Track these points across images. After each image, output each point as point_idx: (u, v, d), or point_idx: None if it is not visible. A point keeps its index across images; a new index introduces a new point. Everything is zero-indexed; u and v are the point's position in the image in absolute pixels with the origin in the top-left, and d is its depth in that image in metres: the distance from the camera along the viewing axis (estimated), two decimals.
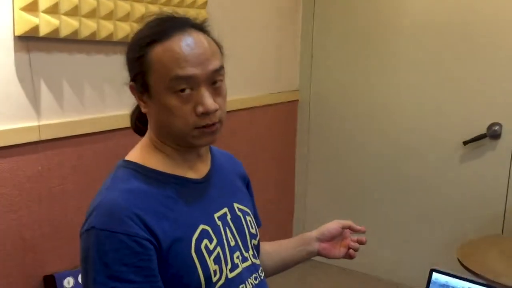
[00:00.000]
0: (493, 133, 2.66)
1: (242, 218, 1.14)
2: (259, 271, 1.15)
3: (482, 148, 2.71)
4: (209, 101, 0.97)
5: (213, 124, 1.00)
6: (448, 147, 2.80)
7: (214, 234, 1.03)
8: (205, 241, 1.00)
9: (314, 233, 1.32)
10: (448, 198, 2.83)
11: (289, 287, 2.83)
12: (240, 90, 2.74)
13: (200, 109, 0.97)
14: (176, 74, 0.95)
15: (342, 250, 1.32)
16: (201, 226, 1.01)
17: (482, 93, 2.67)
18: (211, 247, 1.01)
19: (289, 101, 3.21)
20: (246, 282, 1.08)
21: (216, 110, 0.99)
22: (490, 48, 2.63)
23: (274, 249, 1.34)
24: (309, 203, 3.35)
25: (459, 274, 1.71)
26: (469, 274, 1.62)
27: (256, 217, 1.26)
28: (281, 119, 3.18)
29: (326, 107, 3.21)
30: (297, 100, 3.28)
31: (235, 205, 1.14)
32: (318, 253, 1.32)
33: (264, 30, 2.90)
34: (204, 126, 0.99)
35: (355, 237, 1.33)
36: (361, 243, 1.33)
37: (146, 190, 0.98)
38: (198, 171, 1.09)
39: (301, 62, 3.26)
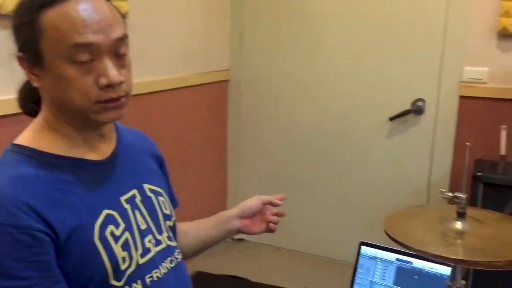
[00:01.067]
0: (417, 109, 2.75)
1: (153, 199, 1.08)
2: (176, 253, 1.10)
3: (407, 124, 2.80)
4: (113, 72, 0.89)
5: (118, 98, 0.92)
6: (376, 123, 2.86)
7: (122, 219, 0.97)
8: (111, 227, 0.94)
9: (234, 211, 1.29)
10: (375, 173, 2.91)
11: (221, 268, 2.81)
12: (167, 70, 2.65)
13: (103, 81, 0.89)
14: (75, 41, 0.86)
15: (262, 225, 1.31)
16: (105, 211, 0.94)
17: (406, 71, 2.75)
18: (117, 232, 0.95)
19: (219, 81, 3.15)
20: (160, 266, 1.03)
21: (121, 83, 0.91)
22: (411, 27, 2.71)
23: (193, 229, 1.30)
24: (242, 183, 3.33)
25: (386, 246, 1.76)
26: (396, 246, 1.66)
27: (172, 197, 1.21)
28: (211, 99, 3.11)
29: (257, 87, 3.18)
30: (228, 80, 3.22)
31: (146, 186, 1.08)
32: (239, 231, 1.30)
33: (191, 7, 2.81)
34: (107, 101, 0.91)
35: (275, 210, 1.32)
36: (281, 215, 1.32)
37: (38, 175, 0.89)
38: (100, 151, 1.01)
39: (231, 41, 3.20)
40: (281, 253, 3.17)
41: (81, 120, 0.94)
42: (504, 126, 2.58)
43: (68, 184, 0.91)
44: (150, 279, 1.00)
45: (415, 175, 2.81)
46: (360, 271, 1.73)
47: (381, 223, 2.92)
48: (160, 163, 1.21)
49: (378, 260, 1.72)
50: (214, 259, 3.04)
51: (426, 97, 2.73)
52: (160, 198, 1.11)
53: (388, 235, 1.10)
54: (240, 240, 3.32)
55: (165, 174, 1.21)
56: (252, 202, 1.29)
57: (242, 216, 1.29)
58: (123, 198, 1.00)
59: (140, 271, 0.98)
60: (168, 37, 2.63)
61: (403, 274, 1.66)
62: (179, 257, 1.11)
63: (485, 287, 2.10)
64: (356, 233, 2.94)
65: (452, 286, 1.16)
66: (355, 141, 2.94)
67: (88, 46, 0.87)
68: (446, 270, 1.59)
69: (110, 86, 0.89)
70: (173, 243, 1.11)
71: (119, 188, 1.01)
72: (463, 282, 1.17)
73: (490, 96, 2.61)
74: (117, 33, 0.90)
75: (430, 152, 2.76)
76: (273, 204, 1.31)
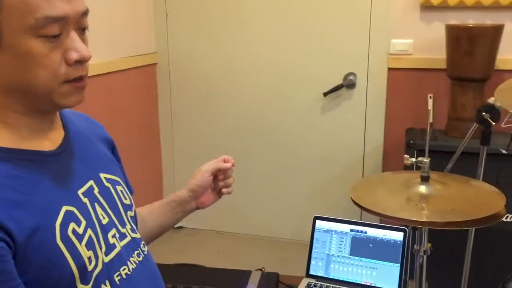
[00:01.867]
0: (349, 83, 2.80)
1: (112, 189, 0.99)
2: (141, 246, 1.02)
3: (340, 98, 2.85)
4: (83, 46, 0.81)
5: (82, 78, 0.84)
6: (310, 99, 2.88)
7: (82, 215, 0.87)
8: (72, 224, 0.84)
9: (186, 193, 1.25)
10: (313, 149, 2.94)
11: (167, 259, 2.71)
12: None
13: (73, 56, 0.80)
14: (45, 13, 0.75)
15: (215, 196, 1.31)
16: (64, 208, 0.84)
17: (336, 46, 2.79)
18: (80, 230, 0.85)
19: (147, 65, 3.00)
20: (128, 262, 0.94)
21: (90, 58, 0.83)
22: (338, 2, 2.74)
23: (150, 216, 1.23)
24: (177, 167, 3.22)
25: (341, 218, 1.77)
26: (350, 217, 1.66)
27: (127, 184, 1.12)
28: (140, 84, 2.96)
29: (186, 69, 3.08)
30: (155, 63, 3.08)
31: (102, 175, 0.98)
32: (197, 208, 1.27)
33: None
34: (76, 80, 0.82)
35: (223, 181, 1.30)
36: (228, 182, 1.34)
37: None
38: (51, 140, 0.90)
39: (156, 23, 3.05)
40: (225, 238, 3.13)
41: (41, 104, 0.83)
42: (431, 95, 2.69)
43: (21, 181, 0.80)
44: (119, 277, 0.91)
45: (351, 148, 2.87)
46: (316, 245, 1.73)
47: (322, 197, 2.98)
48: (112, 148, 1.10)
49: (333, 232, 1.72)
50: (155, 250, 2.93)
51: (357, 71, 2.79)
52: (118, 188, 1.01)
53: (357, 204, 1.09)
54: (180, 228, 3.23)
55: (118, 160, 1.12)
56: (202, 179, 1.26)
57: (196, 197, 1.25)
58: (80, 192, 0.90)
59: (108, 270, 0.89)
60: (89, 21, 2.44)
61: (359, 244, 1.68)
62: (145, 249, 1.03)
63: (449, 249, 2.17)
64: (298, 210, 2.97)
65: (419, 249, 1.18)
66: (290, 119, 2.94)
67: (59, 19, 0.77)
68: (399, 236, 1.63)
69: (80, 62, 0.81)
70: (138, 235, 1.03)
71: (75, 180, 0.90)
72: (429, 244, 1.19)
73: (416, 67, 2.72)
74: (82, 6, 0.82)
75: (364, 125, 2.83)
76: (222, 170, 1.25)
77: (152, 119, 3.11)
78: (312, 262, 1.73)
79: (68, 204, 0.85)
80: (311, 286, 1.65)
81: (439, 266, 2.21)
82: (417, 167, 1.22)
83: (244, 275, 1.66)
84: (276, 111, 2.95)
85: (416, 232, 1.24)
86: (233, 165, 1.24)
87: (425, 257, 1.23)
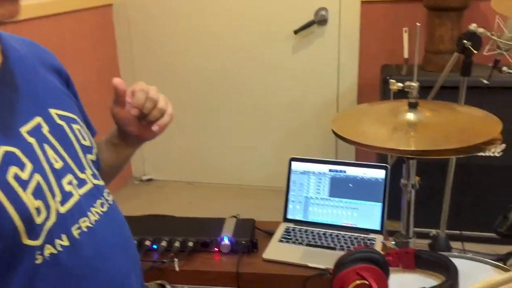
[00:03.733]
0: (320, 19, 2.63)
1: (66, 128, 0.83)
2: (105, 194, 0.88)
3: (312, 36, 2.69)
4: None
5: None
6: (279, 38, 2.71)
7: (26, 157, 0.72)
8: (13, 169, 0.69)
9: (115, 132, 1.01)
10: (284, 90, 2.80)
11: (135, 212, 2.58)
12: None
13: None
14: None
15: (146, 129, 0.98)
16: (3, 149, 0.69)
17: None
18: (24, 176, 0.70)
19: (101, 6, 2.75)
20: (89, 213, 0.80)
21: None
22: None
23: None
24: None
25: (318, 158, 1.66)
26: (328, 157, 1.54)
27: (88, 124, 0.96)
28: (95, 26, 2.72)
29: (146, 10, 2.84)
30: (111, 4, 2.83)
31: (53, 111, 0.82)
32: (141, 140, 1.04)
33: None
34: None
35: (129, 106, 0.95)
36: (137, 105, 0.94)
37: None
38: None
39: None
40: (196, 188, 3.01)
41: None
42: (406, 28, 2.57)
43: None
44: (79, 230, 0.77)
45: (324, 88, 2.75)
46: (293, 187, 1.62)
47: (295, 140, 2.87)
48: (66, 81, 0.94)
49: (311, 174, 1.61)
50: (125, 204, 2.79)
51: (328, 5, 2.62)
52: (75, 126, 0.85)
53: (339, 136, 0.97)
54: (149, 180, 3.09)
55: (74, 95, 0.95)
56: (118, 112, 0.96)
57: (126, 131, 0.99)
58: (24, 130, 0.74)
59: (64, 223, 0.75)
60: None
61: (338, 184, 1.58)
62: (110, 198, 0.89)
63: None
64: (272, 155, 2.86)
65: (407, 184, 1.08)
66: (259, 59, 2.78)
67: None
68: (380, 174, 1.54)
69: None
70: (101, 182, 0.88)
71: (17, 116, 0.75)
72: (417, 178, 1.09)
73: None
74: None
75: (337, 63, 2.70)
76: (119, 96, 0.95)
77: (112, 65, 2.89)
78: (290, 206, 1.62)
79: (8, 144, 0.70)
80: (289, 230, 1.55)
81: (419, 200, 2.15)
82: (403, 93, 1.10)
83: (218, 223, 1.54)
84: (245, 50, 2.77)
85: (403, 165, 1.13)
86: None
87: (413, 192, 1.14)
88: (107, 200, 0.87)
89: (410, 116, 1.05)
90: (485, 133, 0.95)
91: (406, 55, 2.57)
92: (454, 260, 0.89)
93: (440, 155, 0.90)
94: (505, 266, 0.94)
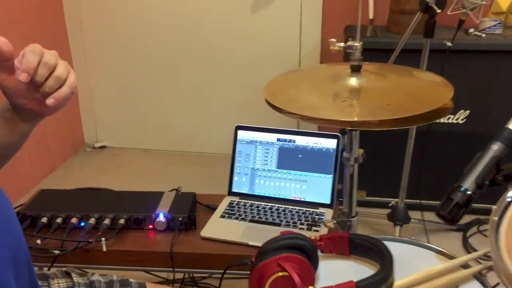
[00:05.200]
0: None
1: None
2: None
3: None
4: None
5: None
6: None
7: None
8: None
9: (8, 105, 0.82)
10: (242, 52, 2.64)
11: (83, 182, 2.44)
12: None
13: None
14: None
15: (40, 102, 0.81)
16: None
17: None
18: None
19: None
20: None
21: None
22: None
23: None
24: (93, 80, 2.84)
25: (265, 127, 1.53)
26: (277, 123, 1.43)
27: None
28: None
29: None
30: None
31: None
32: (40, 115, 0.85)
33: None
34: None
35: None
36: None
37: None
38: None
39: None
40: (151, 156, 2.86)
41: None
42: None
43: None
44: None
45: (285, 51, 2.59)
46: (239, 158, 1.50)
47: (254, 105, 2.73)
48: None
49: (258, 143, 1.49)
50: (75, 173, 2.65)
51: None
52: None
53: (269, 103, 0.83)
54: (102, 147, 2.93)
55: None
56: (3, 80, 0.78)
57: (16, 105, 0.81)
58: None
59: None
60: None
61: (287, 155, 1.46)
62: None
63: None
64: (225, 122, 2.71)
65: (349, 158, 0.96)
66: (217, 19, 2.59)
67: None
68: (331, 144, 1.42)
69: None
70: None
71: None
72: (361, 150, 0.97)
73: None
74: None
75: (299, 23, 2.54)
76: (5, 57, 0.75)
77: (58, 26, 2.66)
78: (235, 178, 1.50)
79: None
80: (233, 205, 1.43)
81: (377, 170, 2.06)
82: (346, 55, 0.96)
83: (155, 197, 1.41)
84: (202, 12, 2.58)
85: (346, 136, 1.01)
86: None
87: (356, 166, 1.02)
88: None
89: (352, 81, 0.92)
90: (434, 100, 0.83)
91: (371, 15, 2.43)
92: (394, 245, 0.79)
93: (381, 126, 0.78)
94: (449, 253, 0.83)
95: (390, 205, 2.04)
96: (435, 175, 2.11)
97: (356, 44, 0.90)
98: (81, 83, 2.83)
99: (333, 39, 0.93)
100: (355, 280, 0.72)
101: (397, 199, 2.02)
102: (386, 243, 0.79)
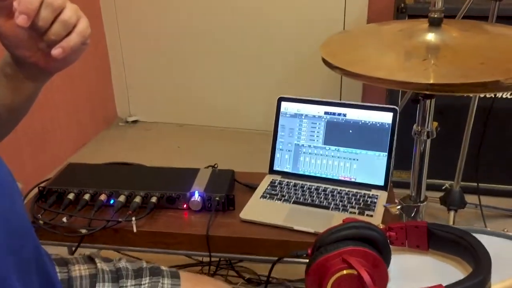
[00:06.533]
0: None
1: None
2: None
3: None
4: None
5: None
6: None
7: None
8: None
9: (9, 58, 0.69)
10: (283, 26, 2.47)
11: (118, 155, 2.35)
12: None
13: None
14: None
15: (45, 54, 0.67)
16: None
17: None
18: None
19: None
20: None
21: None
22: None
23: None
24: (126, 54, 2.74)
25: (312, 98, 1.38)
26: (319, 96, 1.27)
27: None
28: None
29: None
30: None
31: None
32: (46, 71, 0.71)
33: None
34: None
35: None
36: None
37: None
38: None
39: None
40: (185, 131, 2.75)
41: None
42: None
43: None
44: None
45: (328, 21, 2.41)
46: (282, 133, 1.35)
47: (294, 80, 2.57)
48: None
49: (303, 117, 1.34)
50: (107, 148, 2.56)
51: None
52: None
53: (328, 64, 0.68)
54: (135, 122, 2.83)
55: None
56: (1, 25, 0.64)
57: (18, 57, 0.68)
58: None
59: None
60: None
61: (335, 130, 1.31)
62: None
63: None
64: (268, 96, 2.56)
65: (421, 131, 0.80)
66: None
67: None
68: (387, 118, 1.26)
69: None
70: None
71: None
72: (435, 123, 0.81)
73: None
74: None
75: None
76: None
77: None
78: (277, 155, 1.36)
79: None
80: (275, 184, 1.30)
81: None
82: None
83: (190, 174, 1.29)
84: None
85: (419, 105, 0.85)
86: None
87: (428, 141, 0.87)
88: None
89: (430, 37, 0.76)
90: None
91: None
92: (483, 238, 0.64)
93: (473, 91, 0.62)
94: None
95: (443, 188, 1.86)
96: (495, 156, 1.92)
97: None
98: (114, 55, 2.73)
99: None
100: (439, 282, 0.58)
101: (451, 182, 1.84)
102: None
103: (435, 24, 0.75)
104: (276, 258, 0.80)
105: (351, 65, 0.69)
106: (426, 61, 0.68)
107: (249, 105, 2.67)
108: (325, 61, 0.73)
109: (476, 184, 1.89)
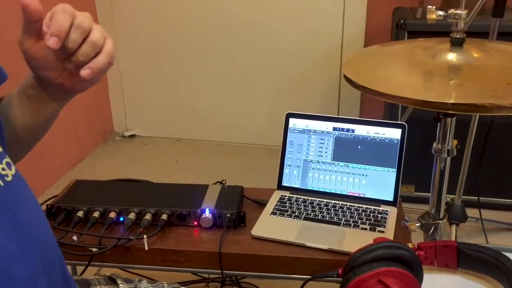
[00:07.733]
0: None
1: None
2: (4, 164, 0.60)
3: None
4: None
5: None
6: None
7: None
8: None
9: (30, 79, 0.69)
10: (282, 40, 2.49)
11: (115, 171, 2.34)
12: None
13: None
14: None
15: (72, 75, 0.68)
16: None
17: None
18: None
19: None
20: None
21: None
22: None
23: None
24: (123, 68, 2.73)
25: (321, 115, 1.39)
26: (329, 113, 1.27)
27: None
28: None
29: None
30: None
31: None
32: (71, 92, 0.72)
33: None
34: None
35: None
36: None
37: None
38: None
39: None
40: (183, 146, 2.74)
41: None
42: None
43: None
44: None
45: (327, 35, 2.44)
46: (290, 149, 1.36)
47: (294, 94, 2.58)
48: None
49: (311, 133, 1.34)
50: (104, 163, 2.54)
51: None
52: None
53: (353, 84, 0.69)
54: (132, 136, 2.82)
55: None
56: (30, 48, 0.64)
57: (43, 78, 0.68)
58: None
59: None
60: None
61: (344, 146, 1.31)
62: (11, 171, 0.61)
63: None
64: (267, 110, 2.58)
65: (442, 149, 0.81)
66: (255, 5, 2.45)
67: None
68: (395, 134, 1.27)
69: None
70: None
71: None
72: (455, 141, 0.82)
73: None
74: None
75: (342, 6, 2.38)
76: (30, 21, 0.61)
77: (87, 10, 2.56)
78: (286, 170, 1.36)
79: None
80: (285, 200, 1.30)
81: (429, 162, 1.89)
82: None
83: (199, 191, 1.28)
84: None
85: (439, 123, 0.86)
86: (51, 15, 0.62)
87: (449, 159, 0.87)
88: (9, 169, 0.59)
89: (452, 56, 0.77)
90: None
91: None
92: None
93: (503, 111, 0.63)
94: None
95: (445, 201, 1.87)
96: (495, 170, 1.94)
97: (460, 12, 0.75)
98: (111, 69, 2.71)
99: (431, 6, 0.78)
100: None
101: (453, 195, 1.85)
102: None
103: (457, 44, 0.77)
104: (308, 277, 0.79)
105: (376, 84, 0.70)
106: (456, 81, 0.69)
107: (247, 119, 2.67)
108: (348, 80, 0.74)
109: (477, 198, 1.91)
